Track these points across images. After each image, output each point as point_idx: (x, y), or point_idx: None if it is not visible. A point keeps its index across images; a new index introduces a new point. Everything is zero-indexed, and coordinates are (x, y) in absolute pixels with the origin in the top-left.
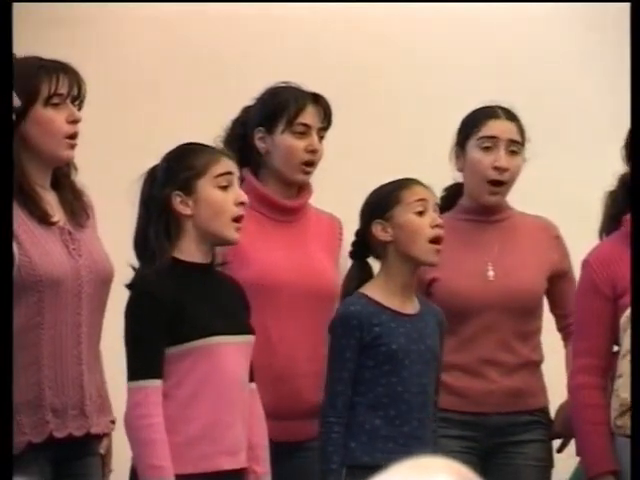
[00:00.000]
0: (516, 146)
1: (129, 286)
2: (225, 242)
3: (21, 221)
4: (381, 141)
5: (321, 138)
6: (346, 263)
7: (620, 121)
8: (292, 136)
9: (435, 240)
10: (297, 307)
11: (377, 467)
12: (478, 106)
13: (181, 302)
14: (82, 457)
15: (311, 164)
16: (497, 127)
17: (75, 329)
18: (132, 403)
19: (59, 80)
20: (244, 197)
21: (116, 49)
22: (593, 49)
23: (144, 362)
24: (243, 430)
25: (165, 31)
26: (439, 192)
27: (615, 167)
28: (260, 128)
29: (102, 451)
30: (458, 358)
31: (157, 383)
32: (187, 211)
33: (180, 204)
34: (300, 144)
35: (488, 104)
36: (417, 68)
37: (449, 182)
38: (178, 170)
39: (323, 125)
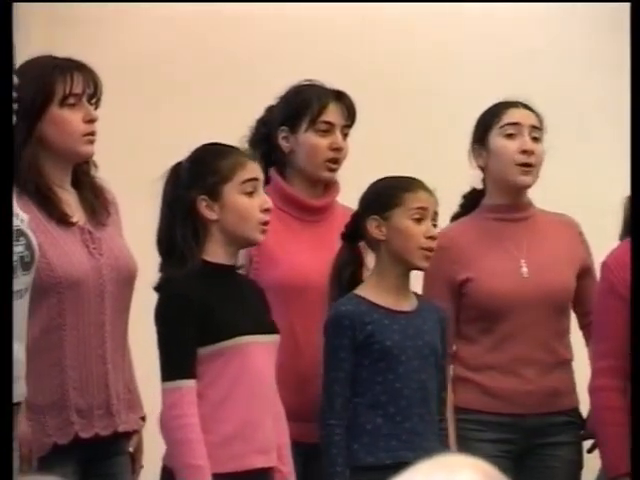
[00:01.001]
0: (538, 132)
1: (157, 288)
2: (250, 244)
3: (39, 222)
4: (401, 139)
5: (345, 135)
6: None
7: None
8: (315, 134)
9: (427, 249)
10: (323, 307)
11: (382, 467)
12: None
13: (210, 303)
14: (110, 457)
15: (336, 161)
16: (519, 114)
17: (99, 329)
18: (168, 404)
19: (74, 79)
20: (269, 203)
21: (134, 48)
22: (602, 48)
23: (178, 363)
24: (273, 429)
25: (182, 31)
26: (457, 198)
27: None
28: (284, 127)
29: (131, 448)
30: (493, 358)
31: (192, 383)
32: (213, 216)
33: (206, 209)
34: (324, 142)
35: (503, 99)
36: (436, 67)
37: (464, 182)
38: (204, 174)
39: (347, 123)
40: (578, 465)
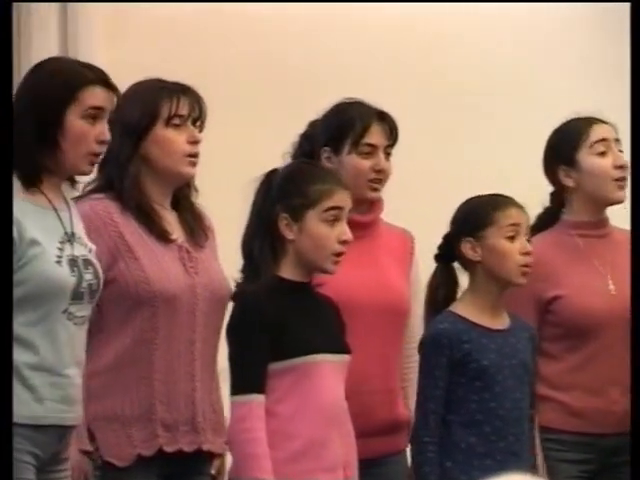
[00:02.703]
0: (620, 144)
1: (232, 297)
2: (321, 272)
3: (139, 238)
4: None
5: (388, 155)
6: (417, 278)
7: None
8: (358, 156)
9: (524, 265)
10: (369, 323)
11: None
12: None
13: (284, 319)
14: (192, 475)
15: (379, 182)
16: (602, 130)
17: (189, 346)
18: (236, 417)
19: (180, 101)
20: (348, 235)
21: (194, 65)
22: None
23: (248, 377)
24: (341, 448)
25: (231, 41)
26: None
27: None
28: (326, 148)
29: (213, 471)
30: (580, 377)
31: (261, 398)
32: (290, 235)
33: (285, 227)
34: (367, 164)
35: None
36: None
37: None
38: (292, 193)
39: (389, 143)
40: None
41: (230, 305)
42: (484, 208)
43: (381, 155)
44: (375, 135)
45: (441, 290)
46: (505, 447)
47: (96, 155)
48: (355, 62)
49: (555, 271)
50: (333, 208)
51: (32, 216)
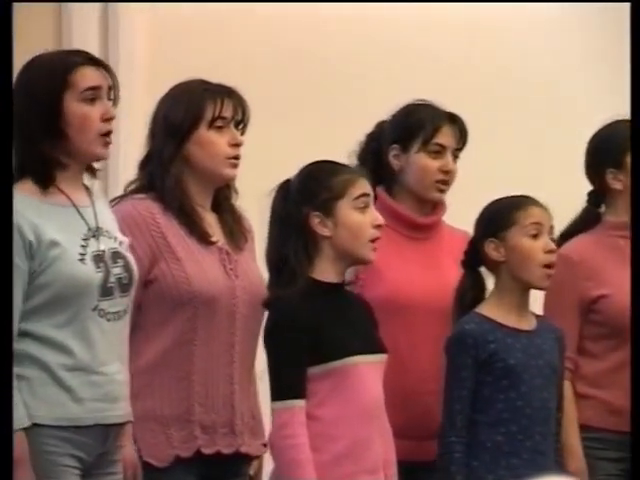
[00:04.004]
0: None
1: (266, 305)
2: (362, 262)
3: (180, 238)
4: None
5: (455, 158)
6: None
7: None
8: (427, 156)
9: (547, 265)
10: (429, 324)
11: None
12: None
13: (320, 323)
14: (230, 477)
15: (445, 183)
16: None
17: (229, 348)
18: (278, 423)
19: (224, 104)
20: (381, 219)
21: (236, 66)
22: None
23: (289, 382)
24: (381, 448)
25: (284, 41)
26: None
27: None
28: (395, 146)
29: (252, 472)
30: (621, 376)
31: (302, 403)
32: (326, 232)
33: (319, 225)
34: (435, 164)
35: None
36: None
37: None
38: (317, 190)
39: (458, 146)
40: None
41: (265, 312)
42: (506, 209)
43: (449, 156)
44: (445, 136)
45: (468, 295)
46: (532, 446)
47: (107, 134)
48: (387, 62)
49: (599, 271)
50: (361, 195)
51: (50, 217)
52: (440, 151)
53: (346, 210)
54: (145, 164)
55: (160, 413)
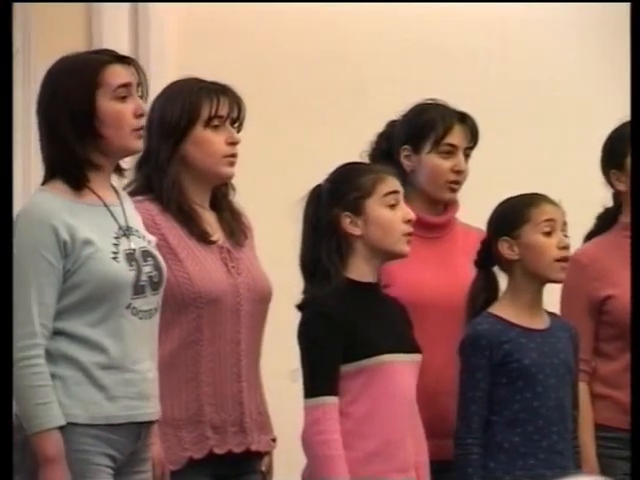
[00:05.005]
0: None
1: (300, 307)
2: (396, 257)
3: (181, 239)
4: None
5: (467, 157)
6: None
7: None
8: (438, 156)
9: (562, 259)
10: (444, 324)
11: None
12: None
13: (354, 321)
14: (242, 475)
15: (457, 183)
16: None
17: (235, 346)
18: (310, 420)
19: (219, 102)
20: (412, 214)
21: (266, 65)
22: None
23: (322, 379)
24: (412, 448)
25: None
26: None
27: None
28: (406, 146)
29: (263, 468)
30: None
31: (334, 400)
32: (357, 231)
33: (350, 225)
34: (446, 164)
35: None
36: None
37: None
38: (346, 190)
39: (469, 145)
40: None
41: (294, 313)
42: (518, 207)
43: (461, 156)
44: (456, 136)
45: (482, 295)
46: (549, 446)
47: (139, 129)
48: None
49: (608, 271)
50: (390, 192)
51: (83, 216)
52: (451, 151)
53: (375, 208)
54: (141, 165)
55: (171, 415)
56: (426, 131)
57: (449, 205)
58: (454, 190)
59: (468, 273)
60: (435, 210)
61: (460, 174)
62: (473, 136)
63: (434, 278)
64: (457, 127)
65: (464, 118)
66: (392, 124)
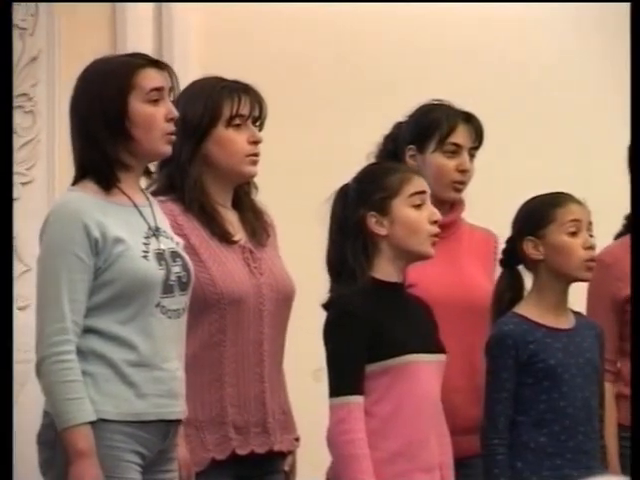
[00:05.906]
0: None
1: (326, 306)
2: (422, 258)
3: (203, 240)
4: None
5: (472, 157)
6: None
7: None
8: (443, 155)
9: (588, 260)
10: (451, 322)
11: None
12: None
13: (380, 321)
14: (265, 475)
15: (462, 182)
16: None
17: (257, 347)
18: (336, 419)
19: (241, 101)
20: (438, 215)
21: (290, 66)
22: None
23: (347, 379)
24: (437, 449)
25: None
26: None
27: None
28: (411, 146)
29: (287, 467)
30: None
31: (360, 399)
32: (382, 231)
33: (375, 225)
34: (451, 164)
35: None
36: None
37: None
38: (372, 191)
39: (474, 144)
40: None
41: (319, 312)
42: (544, 206)
43: (466, 156)
44: (461, 135)
45: (507, 294)
46: (575, 446)
47: (170, 134)
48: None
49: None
50: (416, 193)
51: (114, 215)
52: (456, 150)
53: (401, 207)
54: (163, 165)
55: (194, 417)
56: (431, 130)
57: (455, 205)
58: (459, 190)
59: (474, 271)
60: (441, 210)
61: (465, 174)
62: (478, 136)
63: (440, 277)
64: (462, 126)
65: (469, 118)
66: (398, 126)
